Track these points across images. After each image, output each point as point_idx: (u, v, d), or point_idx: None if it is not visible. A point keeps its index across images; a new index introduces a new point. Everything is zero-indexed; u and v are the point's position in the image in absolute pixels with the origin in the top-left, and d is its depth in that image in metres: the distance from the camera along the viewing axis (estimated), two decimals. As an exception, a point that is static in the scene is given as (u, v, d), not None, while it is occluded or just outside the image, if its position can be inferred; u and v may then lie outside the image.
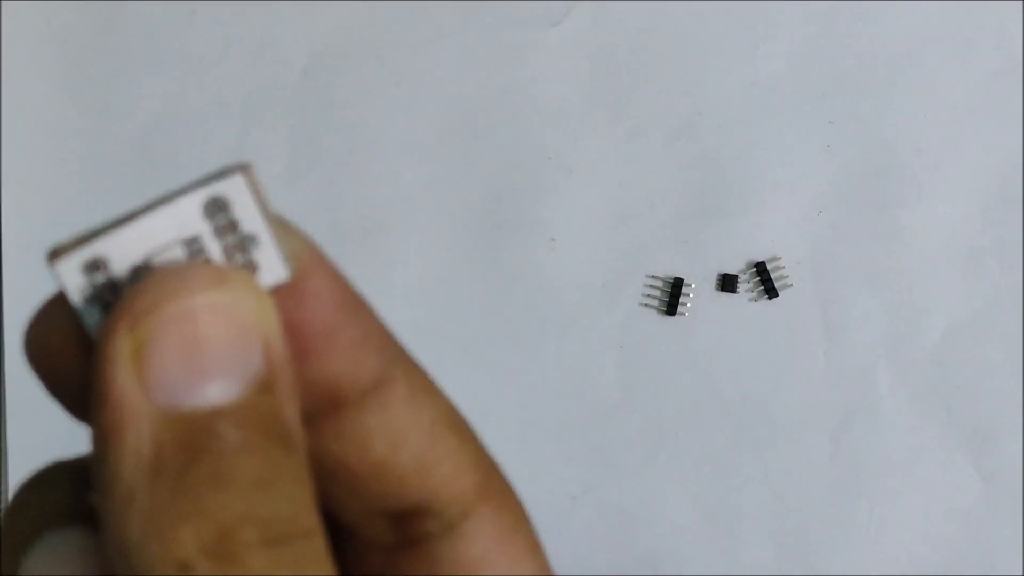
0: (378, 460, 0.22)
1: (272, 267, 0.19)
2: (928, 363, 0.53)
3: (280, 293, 0.20)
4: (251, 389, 0.19)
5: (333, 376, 0.21)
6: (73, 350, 0.20)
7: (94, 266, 0.19)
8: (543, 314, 0.53)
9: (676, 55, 0.54)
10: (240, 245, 0.19)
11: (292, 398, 0.19)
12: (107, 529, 0.18)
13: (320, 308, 0.20)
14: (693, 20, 0.54)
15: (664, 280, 0.53)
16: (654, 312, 0.53)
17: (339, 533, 0.24)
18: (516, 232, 0.53)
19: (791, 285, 0.53)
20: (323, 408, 0.21)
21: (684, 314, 0.53)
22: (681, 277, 0.53)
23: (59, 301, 0.20)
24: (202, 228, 0.19)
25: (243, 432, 0.18)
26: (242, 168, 0.19)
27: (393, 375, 0.22)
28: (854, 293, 0.53)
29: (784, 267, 0.53)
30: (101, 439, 0.18)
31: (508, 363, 0.53)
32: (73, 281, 0.19)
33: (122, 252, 0.19)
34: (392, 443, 0.22)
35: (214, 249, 0.19)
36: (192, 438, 0.18)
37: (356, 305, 0.21)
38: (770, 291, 0.53)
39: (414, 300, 0.54)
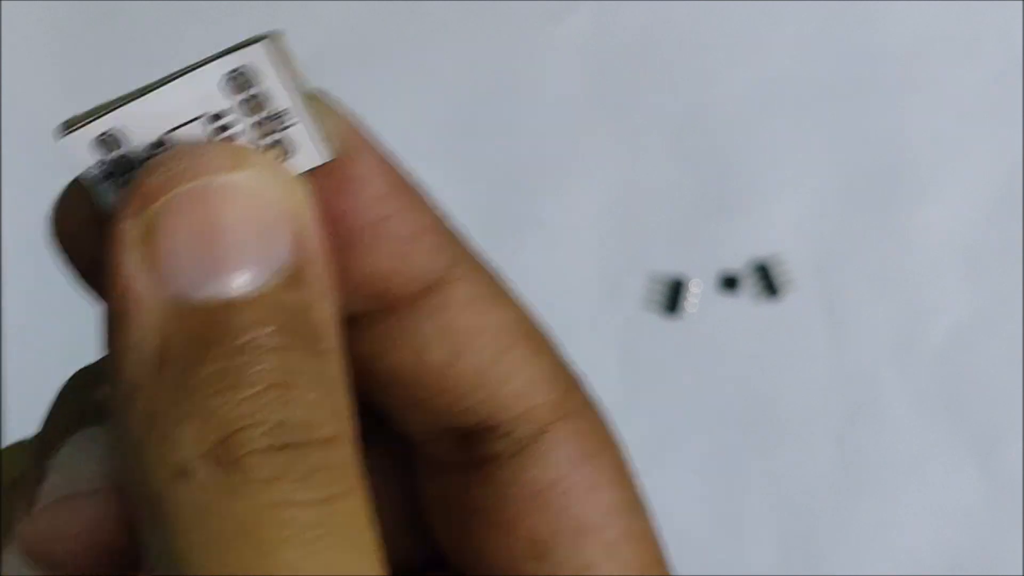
0: (436, 369, 0.20)
1: (307, 148, 0.17)
2: (933, 363, 0.53)
3: (319, 179, 0.18)
4: (274, 282, 0.17)
5: (382, 274, 0.19)
6: (93, 232, 0.18)
7: (108, 141, 0.17)
8: (543, 314, 0.53)
9: (678, 54, 0.54)
10: (270, 124, 0.17)
11: (325, 295, 0.17)
12: (113, 427, 0.17)
13: (366, 196, 0.18)
14: (696, 18, 0.54)
15: (666, 280, 0.53)
16: (656, 312, 0.53)
17: (404, 449, 0.22)
18: (516, 232, 0.53)
19: (795, 285, 0.53)
20: (374, 310, 0.19)
21: (687, 314, 0.53)
22: (684, 277, 0.53)
23: (78, 184, 0.18)
24: (227, 103, 0.17)
25: (260, 328, 0.16)
26: (270, 36, 0.17)
27: (453, 276, 0.20)
28: (858, 293, 0.53)
29: (788, 267, 0.53)
30: (108, 328, 0.17)
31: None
32: (84, 156, 0.17)
33: (139, 126, 0.17)
34: (452, 351, 0.20)
35: (240, 128, 0.17)
36: (202, 332, 0.16)
37: (408, 194, 0.19)
38: (773, 291, 0.53)
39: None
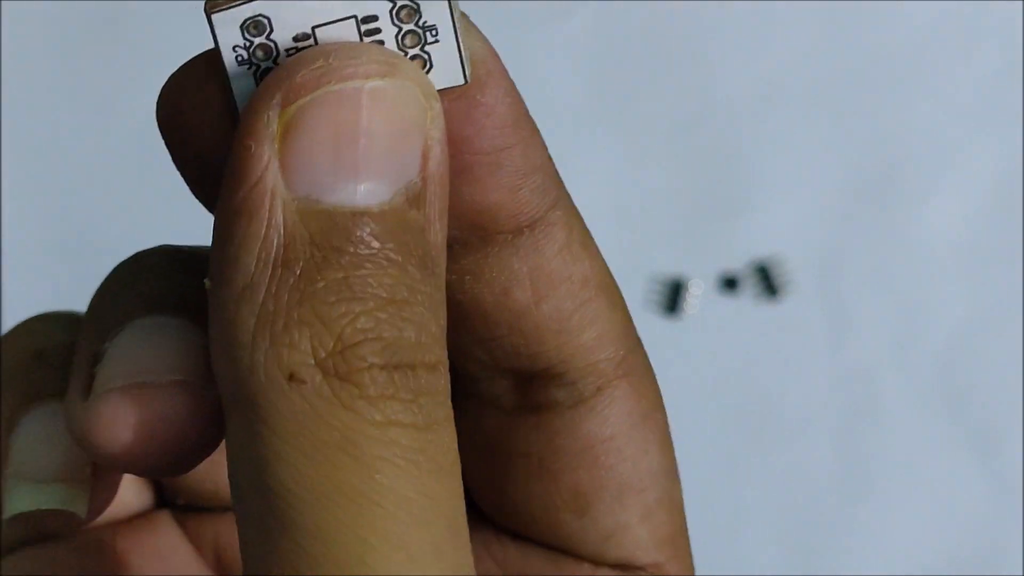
0: (518, 309, 0.20)
1: (448, 67, 0.17)
2: (933, 363, 0.53)
3: (450, 99, 0.18)
4: (401, 198, 0.16)
5: (490, 205, 0.19)
6: (212, 116, 0.17)
7: (256, 26, 0.17)
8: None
9: (678, 54, 0.54)
10: (417, 34, 0.17)
11: (441, 219, 0.17)
12: (216, 322, 0.17)
13: (491, 126, 0.18)
14: (696, 18, 0.54)
15: (666, 280, 0.53)
16: (656, 312, 0.53)
17: (457, 385, 0.21)
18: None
19: (795, 285, 0.53)
20: (469, 239, 0.19)
21: (687, 314, 0.53)
22: (683, 277, 0.53)
23: (206, 60, 0.17)
24: (381, 6, 0.17)
25: (384, 242, 0.16)
26: None
27: (552, 219, 0.20)
28: (858, 293, 0.53)
29: (788, 267, 0.53)
30: (228, 220, 0.16)
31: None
32: (229, 37, 0.17)
33: (289, 15, 0.16)
34: (537, 293, 0.20)
35: (388, 33, 0.17)
36: (328, 237, 0.16)
37: (529, 131, 0.19)
38: (773, 291, 0.53)
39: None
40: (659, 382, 0.23)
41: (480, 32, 0.18)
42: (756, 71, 0.54)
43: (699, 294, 0.53)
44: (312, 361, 0.16)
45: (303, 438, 0.16)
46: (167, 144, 0.18)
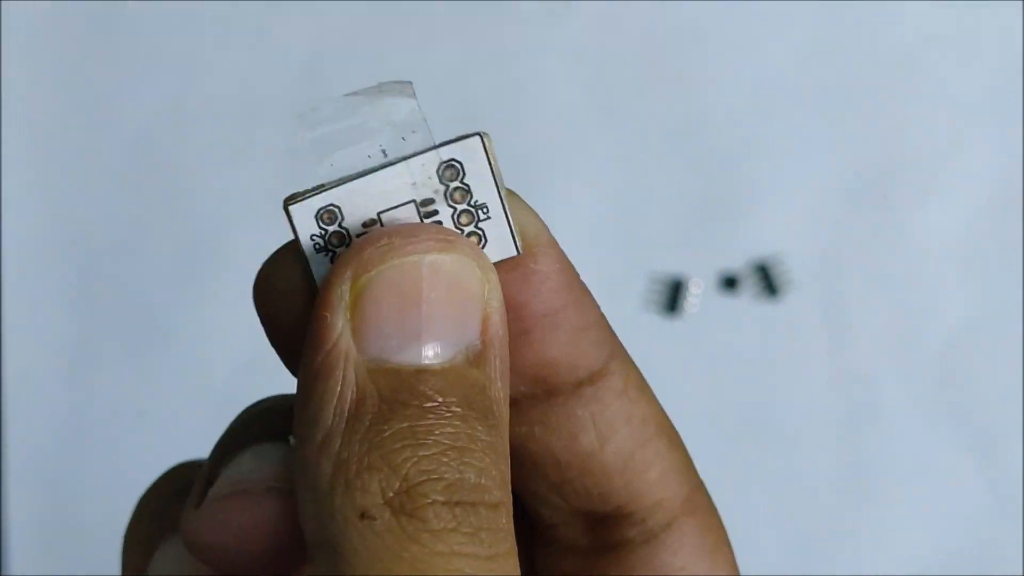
0: (585, 453, 0.22)
1: (500, 240, 0.19)
2: (933, 364, 0.53)
3: (507, 269, 0.20)
4: (461, 358, 0.19)
5: (551, 361, 0.21)
6: (296, 297, 0.20)
7: (327, 215, 0.19)
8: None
9: (678, 54, 0.54)
10: (471, 213, 0.19)
11: (502, 377, 0.19)
12: (299, 472, 0.19)
13: (546, 290, 0.20)
14: (695, 18, 0.54)
15: (666, 280, 0.53)
16: (656, 312, 0.53)
17: (536, 533, 0.23)
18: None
19: (795, 285, 0.53)
20: (535, 393, 0.21)
21: (687, 314, 0.53)
22: (683, 277, 0.53)
23: (289, 249, 0.20)
24: (436, 190, 0.19)
25: (446, 396, 0.18)
26: (480, 134, 0.19)
27: (610, 368, 0.22)
28: (858, 293, 0.53)
29: (787, 267, 0.53)
30: (308, 381, 0.18)
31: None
32: (305, 227, 0.19)
33: (355, 204, 0.19)
34: (601, 437, 0.22)
35: (445, 214, 0.19)
36: (394, 393, 0.18)
37: (581, 292, 0.21)
38: (773, 291, 0.53)
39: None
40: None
41: (528, 206, 0.20)
42: (756, 70, 0.54)
43: (699, 293, 0.53)
44: (381, 500, 0.18)
45: (377, 569, 0.17)
46: (262, 321, 0.20)
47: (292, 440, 0.19)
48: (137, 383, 0.53)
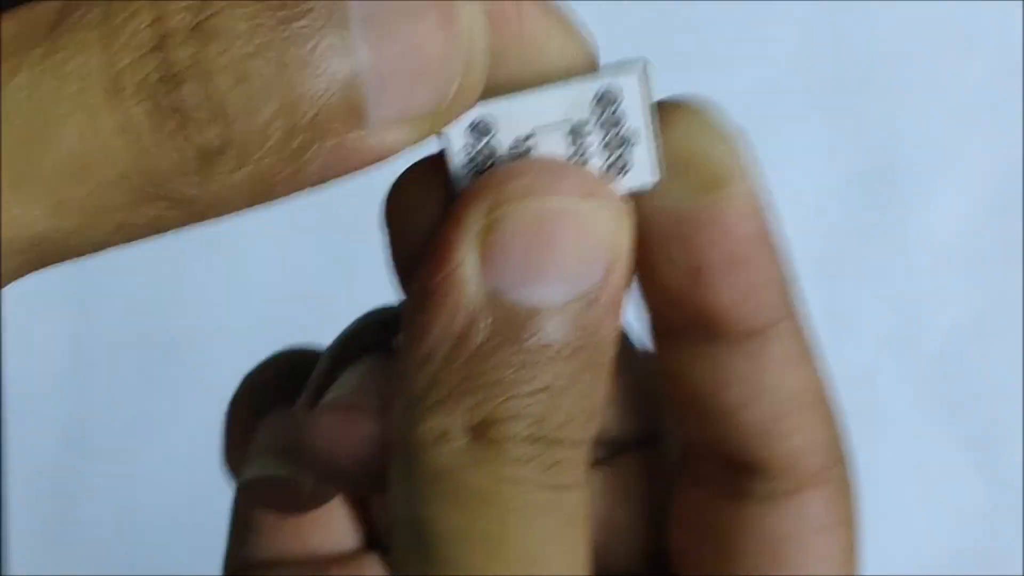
0: (727, 407, 0.22)
1: (642, 169, 0.20)
2: (933, 363, 0.53)
3: (698, 204, 0.20)
4: (578, 302, 0.19)
5: (723, 307, 0.21)
6: (431, 208, 0.20)
7: (480, 128, 0.19)
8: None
9: (677, 53, 0.54)
10: (619, 141, 0.19)
11: (614, 319, 0.19)
12: (398, 379, 0.19)
13: (726, 240, 0.20)
14: (695, 18, 0.54)
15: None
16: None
17: (676, 461, 0.24)
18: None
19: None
20: (701, 331, 0.21)
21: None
22: (683, 277, 0.53)
23: (429, 162, 0.20)
24: (589, 116, 0.19)
25: (554, 339, 0.18)
26: (642, 66, 0.20)
27: (778, 331, 0.22)
28: (858, 293, 0.53)
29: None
30: (422, 296, 0.19)
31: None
32: (459, 138, 0.19)
33: (510, 120, 0.19)
34: (747, 397, 0.22)
35: (594, 139, 0.19)
36: (504, 327, 0.18)
37: (762, 246, 0.21)
38: (772, 291, 0.53)
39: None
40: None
41: (721, 132, 0.21)
42: (755, 70, 0.54)
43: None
44: (464, 426, 0.18)
45: (444, 486, 0.18)
46: (389, 234, 0.20)
47: (397, 344, 0.20)
48: (138, 384, 0.53)
